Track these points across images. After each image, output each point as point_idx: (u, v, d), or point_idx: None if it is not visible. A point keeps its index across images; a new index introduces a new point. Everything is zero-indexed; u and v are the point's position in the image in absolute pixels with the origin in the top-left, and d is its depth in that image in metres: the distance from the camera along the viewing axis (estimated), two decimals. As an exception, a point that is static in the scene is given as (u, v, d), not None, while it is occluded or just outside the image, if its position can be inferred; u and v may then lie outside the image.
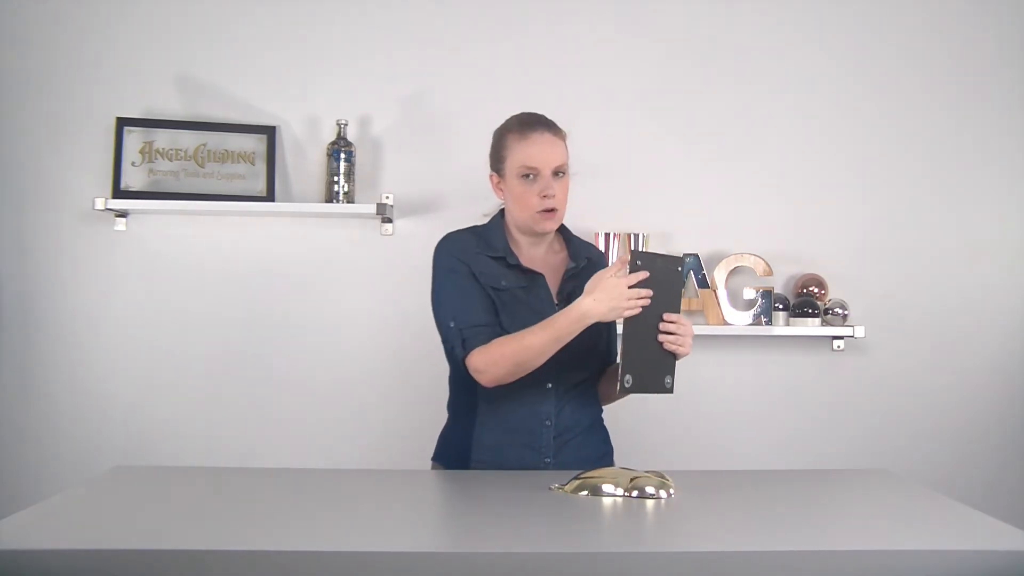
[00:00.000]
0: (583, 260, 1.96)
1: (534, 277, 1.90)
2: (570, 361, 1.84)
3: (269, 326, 2.78)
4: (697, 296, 2.78)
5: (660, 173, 2.84)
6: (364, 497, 1.65)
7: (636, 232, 2.78)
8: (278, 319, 2.78)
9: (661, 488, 1.57)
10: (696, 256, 2.79)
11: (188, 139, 2.73)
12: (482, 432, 1.89)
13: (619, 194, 2.83)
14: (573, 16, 2.84)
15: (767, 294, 2.78)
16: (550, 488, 1.62)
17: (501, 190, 1.93)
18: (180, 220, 2.77)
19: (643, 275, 1.70)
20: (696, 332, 2.68)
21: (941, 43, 2.88)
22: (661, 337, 1.76)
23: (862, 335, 2.77)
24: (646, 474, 1.61)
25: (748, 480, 1.79)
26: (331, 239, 2.79)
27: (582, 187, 2.78)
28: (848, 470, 2.03)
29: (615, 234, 2.78)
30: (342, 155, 2.71)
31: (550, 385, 1.88)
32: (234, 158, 2.74)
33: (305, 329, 2.78)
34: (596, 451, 1.96)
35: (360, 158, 2.76)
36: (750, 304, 2.79)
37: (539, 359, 1.78)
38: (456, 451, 1.93)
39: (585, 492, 1.58)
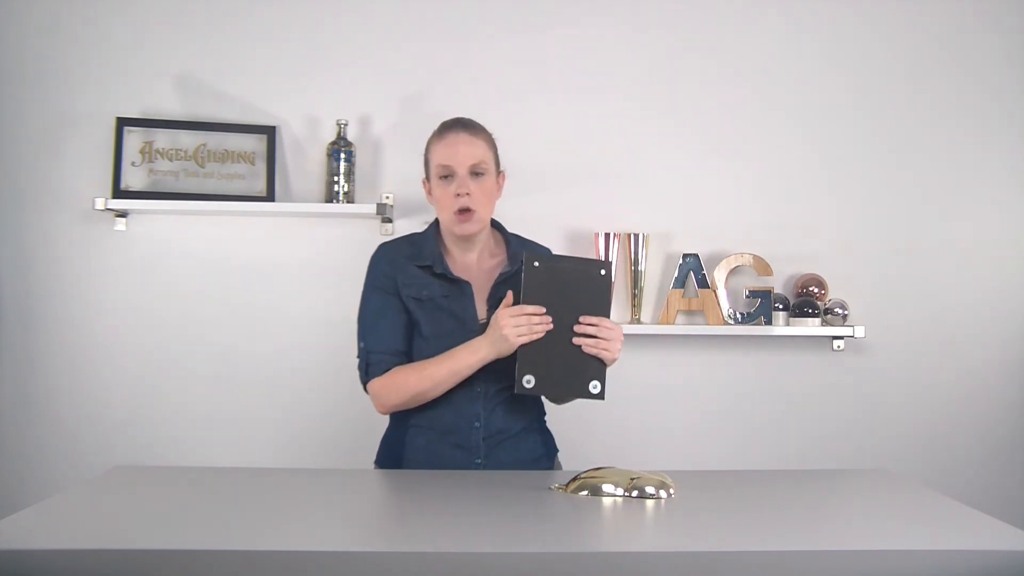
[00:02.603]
0: (518, 263, 1.92)
1: (460, 286, 1.90)
2: (497, 368, 1.84)
3: (269, 326, 2.78)
4: (697, 296, 2.78)
5: (660, 173, 2.84)
6: (363, 497, 1.65)
7: (636, 232, 2.78)
8: (278, 319, 2.78)
9: (661, 488, 1.57)
10: (696, 256, 2.79)
11: (188, 139, 2.73)
12: (415, 434, 1.90)
13: (619, 194, 2.83)
14: (572, 17, 2.84)
15: (767, 294, 2.78)
16: (550, 488, 1.62)
17: (431, 195, 1.95)
18: (180, 220, 2.77)
19: (526, 309, 1.73)
20: (696, 332, 2.75)
21: (942, 42, 2.88)
22: (577, 340, 1.76)
23: (862, 335, 2.77)
24: (646, 474, 1.61)
25: (748, 480, 1.79)
26: (331, 239, 2.79)
27: (582, 187, 2.81)
28: (848, 470, 2.03)
29: (615, 234, 2.77)
30: (342, 155, 2.71)
31: (479, 389, 1.88)
32: (234, 158, 2.74)
33: (305, 329, 2.78)
34: (532, 453, 1.96)
35: (360, 158, 2.76)
36: (750, 304, 2.79)
37: (437, 390, 1.83)
38: (391, 453, 1.95)
39: (585, 492, 1.59)
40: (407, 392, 1.85)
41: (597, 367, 1.78)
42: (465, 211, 1.87)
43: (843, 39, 2.88)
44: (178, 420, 2.75)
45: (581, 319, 1.76)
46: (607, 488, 1.58)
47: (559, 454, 2.05)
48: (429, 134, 2.02)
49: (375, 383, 1.88)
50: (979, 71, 2.89)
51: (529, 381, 1.74)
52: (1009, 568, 1.29)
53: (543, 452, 1.99)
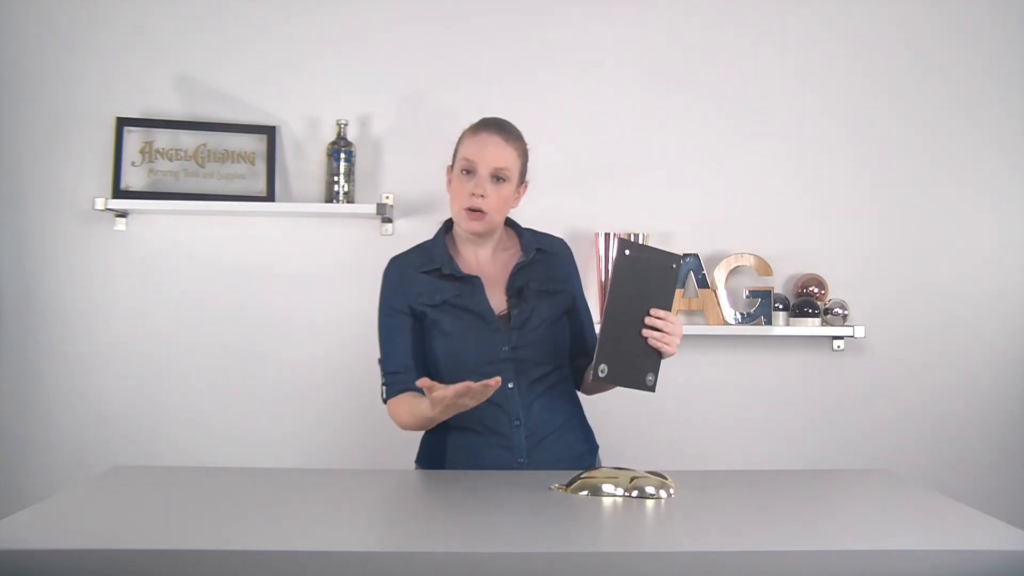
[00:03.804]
0: (532, 252, 1.95)
1: (470, 282, 1.90)
2: (527, 358, 1.86)
3: (269, 326, 2.78)
4: (697, 296, 2.78)
5: (660, 173, 2.84)
6: (364, 497, 1.65)
7: (636, 232, 2.78)
8: (278, 319, 2.78)
9: (661, 488, 1.57)
10: (696, 256, 2.79)
11: (188, 139, 2.73)
12: (456, 434, 1.90)
13: (619, 194, 2.83)
14: (573, 16, 2.84)
15: (767, 294, 2.78)
16: (550, 488, 1.62)
17: (450, 185, 1.95)
18: (180, 220, 2.77)
19: (454, 389, 1.68)
20: (696, 332, 2.74)
21: (943, 43, 2.88)
22: (645, 332, 1.74)
23: (862, 335, 2.77)
24: (646, 474, 1.61)
25: (748, 480, 1.79)
26: (331, 239, 2.79)
27: (582, 188, 2.81)
28: (848, 470, 2.03)
29: (615, 234, 2.77)
30: (342, 155, 2.71)
31: (511, 385, 1.87)
32: (234, 158, 2.74)
33: (305, 329, 2.78)
34: (573, 450, 1.94)
35: (360, 158, 2.77)
36: (749, 304, 2.79)
37: (423, 429, 1.91)
38: (432, 453, 1.94)
39: (585, 492, 1.58)
40: (401, 424, 1.90)
41: (655, 359, 1.77)
42: (475, 211, 1.87)
43: (843, 40, 2.88)
44: (177, 419, 2.75)
45: (652, 312, 1.74)
46: (607, 488, 1.58)
47: (599, 451, 2.03)
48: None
49: (388, 408, 1.92)
50: (979, 71, 2.89)
51: (603, 370, 1.71)
52: (1009, 568, 1.29)
53: (585, 448, 1.98)
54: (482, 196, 1.86)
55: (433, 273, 1.91)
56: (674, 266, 1.78)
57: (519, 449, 1.88)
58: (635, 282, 1.72)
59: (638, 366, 1.75)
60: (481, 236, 1.93)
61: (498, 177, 1.88)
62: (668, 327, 1.75)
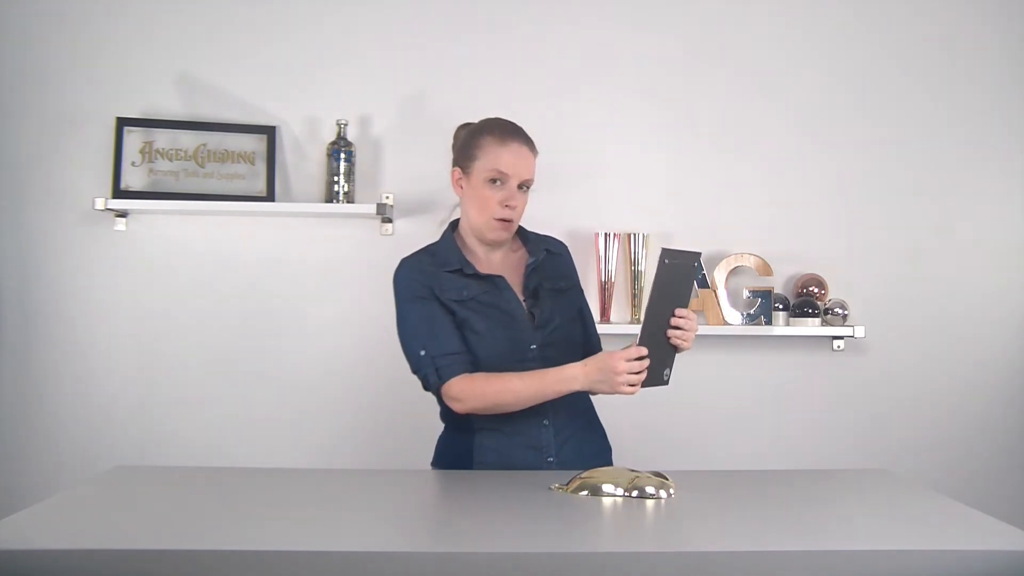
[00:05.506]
0: (541, 253, 1.96)
1: (495, 281, 1.90)
2: (552, 358, 1.85)
3: (269, 326, 2.78)
4: (697, 296, 2.78)
5: (660, 173, 2.84)
6: (364, 497, 1.65)
7: (636, 232, 2.78)
8: (278, 319, 2.78)
9: (661, 488, 1.57)
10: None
11: (188, 139, 2.73)
12: (483, 436, 1.89)
13: (619, 194, 2.83)
14: (573, 17, 2.84)
15: (767, 294, 2.78)
16: (550, 488, 1.62)
17: (461, 187, 1.93)
18: (180, 220, 2.77)
19: (642, 351, 1.70)
20: (696, 332, 2.73)
21: (941, 43, 2.89)
22: (670, 332, 1.77)
23: (862, 335, 2.77)
24: (646, 474, 1.61)
25: (748, 480, 1.79)
26: (331, 239, 2.79)
27: (582, 188, 2.81)
28: (848, 470, 2.03)
29: (615, 234, 2.78)
30: (342, 155, 2.71)
31: None
32: (234, 158, 2.74)
33: (305, 329, 2.78)
34: (593, 448, 1.97)
35: (360, 158, 2.77)
36: (750, 304, 2.79)
37: (517, 405, 1.82)
38: (457, 456, 1.92)
39: (585, 492, 1.58)
40: (487, 400, 1.82)
41: (671, 355, 1.80)
42: (506, 221, 1.88)
43: (843, 39, 2.88)
44: (177, 420, 2.75)
45: (677, 312, 1.77)
46: (607, 488, 1.58)
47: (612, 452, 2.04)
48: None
49: (454, 386, 1.83)
50: (979, 72, 2.89)
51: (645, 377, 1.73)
52: (1009, 568, 1.29)
53: (604, 445, 2.01)
54: (514, 207, 1.88)
55: (455, 273, 1.90)
56: (695, 264, 1.82)
57: (548, 449, 1.88)
58: (668, 287, 1.74)
59: (658, 364, 1.77)
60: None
61: (523, 187, 1.90)
62: (689, 325, 1.78)
